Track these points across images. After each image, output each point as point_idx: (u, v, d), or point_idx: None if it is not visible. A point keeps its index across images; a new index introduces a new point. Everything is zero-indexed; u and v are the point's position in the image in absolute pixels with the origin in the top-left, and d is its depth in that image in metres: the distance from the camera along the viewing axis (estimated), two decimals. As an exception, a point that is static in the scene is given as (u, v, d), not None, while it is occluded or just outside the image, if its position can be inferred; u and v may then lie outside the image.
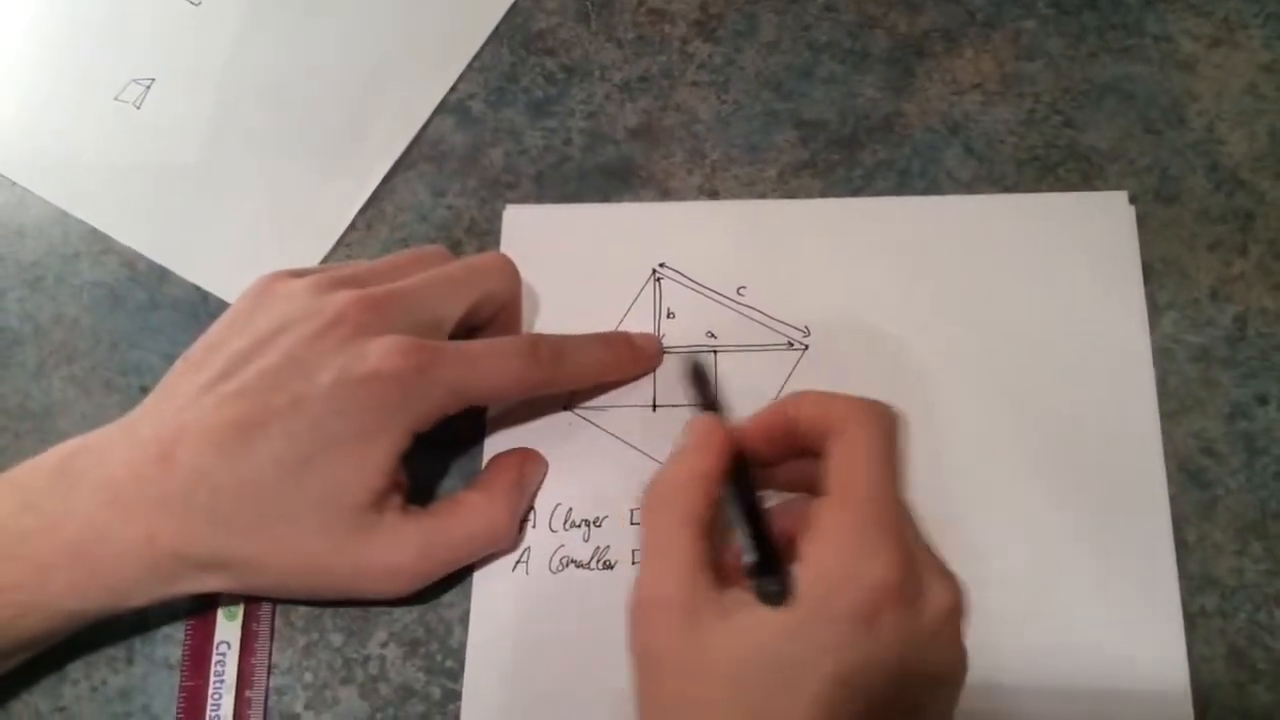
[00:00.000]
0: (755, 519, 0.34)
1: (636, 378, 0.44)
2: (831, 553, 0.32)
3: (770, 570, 0.32)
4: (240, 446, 0.36)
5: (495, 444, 0.43)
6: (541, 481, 0.43)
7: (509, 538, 0.41)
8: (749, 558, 0.33)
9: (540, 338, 0.41)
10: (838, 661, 0.31)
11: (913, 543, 0.33)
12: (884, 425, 0.34)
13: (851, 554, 0.32)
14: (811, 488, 0.35)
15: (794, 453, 0.36)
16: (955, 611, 0.33)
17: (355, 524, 0.38)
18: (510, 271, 0.43)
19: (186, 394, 0.38)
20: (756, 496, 0.35)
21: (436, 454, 0.43)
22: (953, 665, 0.33)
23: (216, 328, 0.40)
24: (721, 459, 0.35)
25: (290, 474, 0.37)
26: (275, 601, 0.42)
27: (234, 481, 0.36)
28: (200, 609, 0.42)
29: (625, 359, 0.43)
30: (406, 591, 0.39)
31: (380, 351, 0.37)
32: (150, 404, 0.39)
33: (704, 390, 0.37)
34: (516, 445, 0.43)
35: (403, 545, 0.38)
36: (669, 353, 0.44)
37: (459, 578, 0.42)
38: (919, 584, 0.32)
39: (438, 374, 0.38)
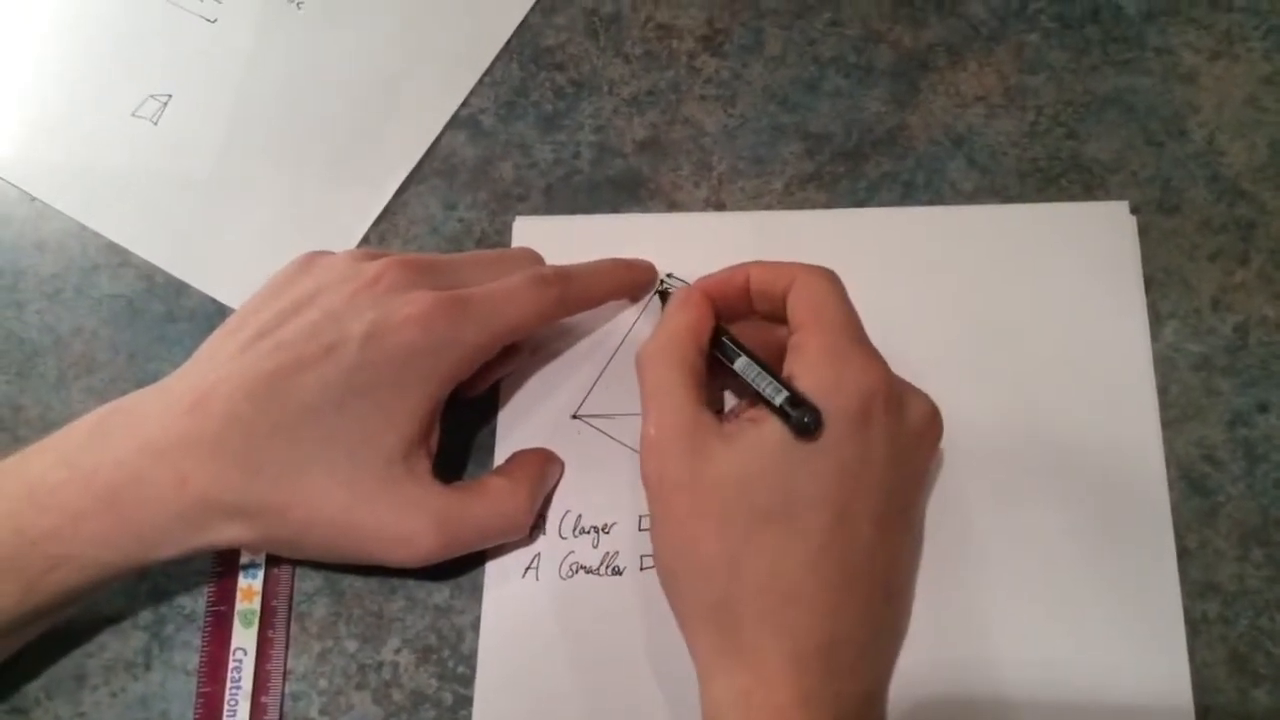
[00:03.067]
0: (764, 365, 0.38)
1: (636, 295, 0.46)
2: (818, 367, 0.36)
3: (798, 404, 0.36)
4: (273, 393, 0.37)
5: (505, 452, 0.44)
6: (558, 483, 0.44)
7: (525, 527, 0.42)
8: (779, 398, 0.36)
9: (544, 266, 0.43)
10: (838, 459, 0.35)
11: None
12: (833, 278, 0.39)
13: (837, 365, 0.36)
14: (772, 354, 0.39)
15: (742, 314, 0.41)
16: (935, 418, 0.39)
17: (383, 476, 0.38)
18: (539, 262, 0.44)
19: (223, 354, 0.39)
20: (751, 351, 0.39)
21: (447, 461, 0.44)
22: (928, 466, 0.40)
23: (257, 296, 0.41)
24: (704, 311, 0.39)
25: (322, 420, 0.37)
26: (295, 563, 0.43)
27: (266, 427, 0.37)
28: (217, 616, 0.42)
29: (622, 273, 0.45)
30: (419, 561, 0.39)
31: (411, 302, 0.38)
32: (187, 366, 0.40)
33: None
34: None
35: (423, 510, 0.39)
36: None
37: (470, 582, 0.42)
38: (900, 392, 0.37)
39: (466, 317, 0.39)
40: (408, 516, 0.39)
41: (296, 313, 0.39)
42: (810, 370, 0.36)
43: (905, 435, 0.37)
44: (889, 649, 0.39)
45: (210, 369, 0.38)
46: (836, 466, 0.35)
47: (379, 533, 0.39)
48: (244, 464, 0.37)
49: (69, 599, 0.38)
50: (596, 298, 0.44)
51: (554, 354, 0.45)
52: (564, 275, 0.42)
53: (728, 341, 0.39)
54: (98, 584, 0.38)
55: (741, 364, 0.38)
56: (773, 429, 0.36)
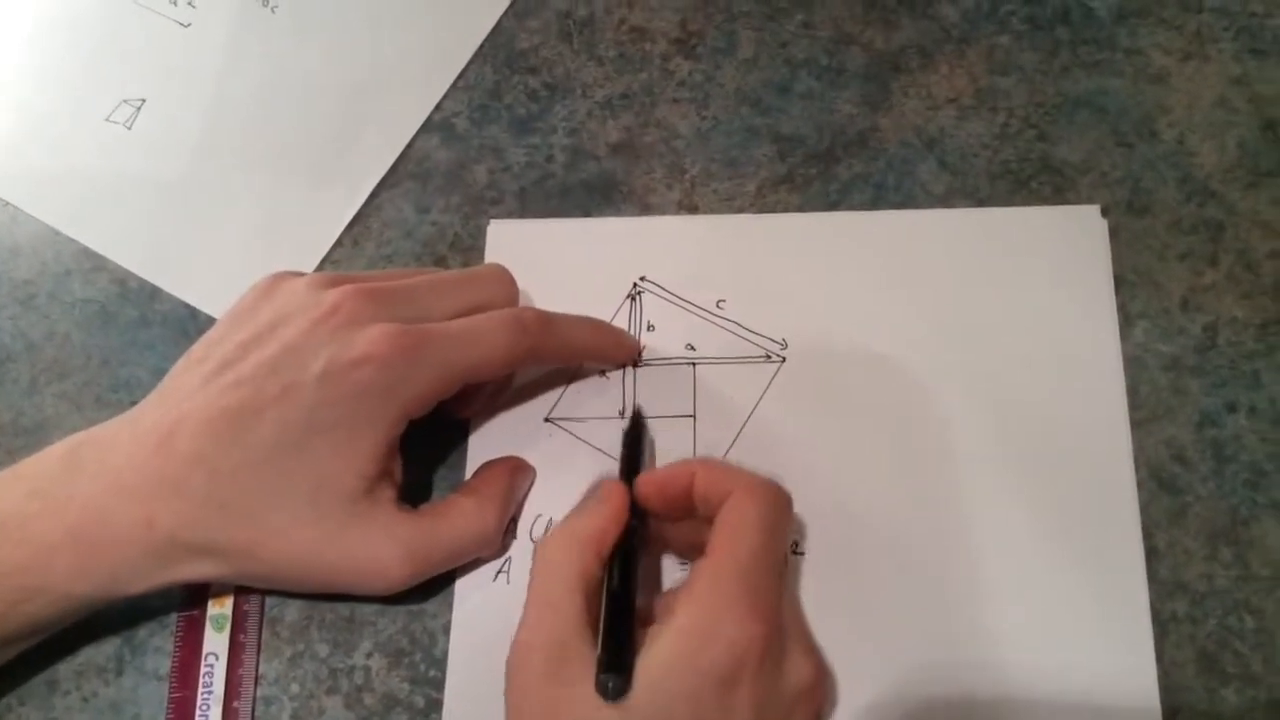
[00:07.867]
0: (620, 611, 0.35)
1: (617, 364, 0.45)
2: (699, 610, 0.33)
3: (617, 668, 0.33)
4: (235, 433, 0.37)
5: (477, 455, 0.44)
6: (529, 490, 0.43)
7: (495, 544, 0.42)
8: (599, 653, 0.34)
9: (525, 309, 0.42)
10: (695, 716, 0.32)
11: (781, 613, 0.34)
12: (773, 499, 0.36)
13: (717, 613, 0.33)
14: (699, 552, 0.36)
15: (685, 514, 0.38)
16: (815, 690, 0.35)
17: (347, 513, 0.38)
18: (508, 281, 0.43)
19: (187, 386, 0.39)
20: (633, 583, 0.36)
21: (419, 466, 0.44)
22: None
23: (220, 324, 0.41)
24: (619, 524, 0.37)
25: (283, 460, 0.37)
26: (266, 593, 0.43)
27: (229, 467, 0.37)
28: (188, 621, 0.42)
29: (608, 341, 0.44)
30: (392, 589, 0.39)
31: (368, 338, 0.38)
32: (154, 397, 0.40)
33: (633, 449, 0.41)
34: (499, 456, 0.44)
35: (391, 541, 0.39)
36: (649, 364, 0.45)
37: (441, 586, 0.42)
38: (780, 654, 0.34)
39: (425, 355, 0.38)
40: (375, 549, 0.39)
41: (257, 344, 0.39)
42: (688, 614, 0.33)
43: (777, 705, 0.33)
44: None
45: (174, 403, 0.38)
46: None
47: (348, 567, 0.39)
48: (209, 503, 0.37)
49: (40, 629, 0.39)
50: (574, 354, 0.44)
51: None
52: (545, 322, 0.41)
53: (615, 566, 0.36)
54: (69, 615, 0.39)
55: (606, 596, 0.36)
56: (638, 665, 0.33)
